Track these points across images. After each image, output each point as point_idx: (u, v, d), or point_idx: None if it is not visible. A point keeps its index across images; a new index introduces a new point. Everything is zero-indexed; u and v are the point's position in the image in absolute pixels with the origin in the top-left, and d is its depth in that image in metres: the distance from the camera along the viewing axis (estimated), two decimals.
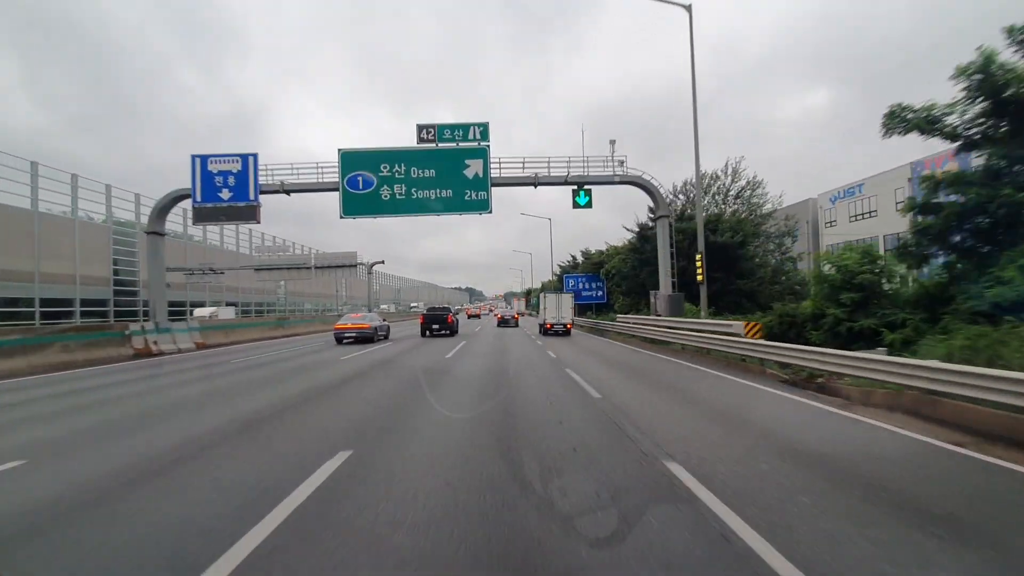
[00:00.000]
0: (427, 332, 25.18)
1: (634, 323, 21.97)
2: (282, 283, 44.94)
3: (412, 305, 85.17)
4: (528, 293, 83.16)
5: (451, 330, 25.71)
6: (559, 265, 51.78)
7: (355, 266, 32.55)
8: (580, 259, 48.04)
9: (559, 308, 27.10)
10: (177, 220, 31.31)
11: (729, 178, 31.11)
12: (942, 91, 37.05)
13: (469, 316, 62.65)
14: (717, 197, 31.19)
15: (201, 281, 29.27)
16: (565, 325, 27.06)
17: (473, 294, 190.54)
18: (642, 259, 27.84)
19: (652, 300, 21.48)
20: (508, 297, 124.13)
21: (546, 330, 26.88)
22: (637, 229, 29.54)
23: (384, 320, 24.07)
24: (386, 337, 22.43)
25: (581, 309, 35.31)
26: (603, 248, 41.15)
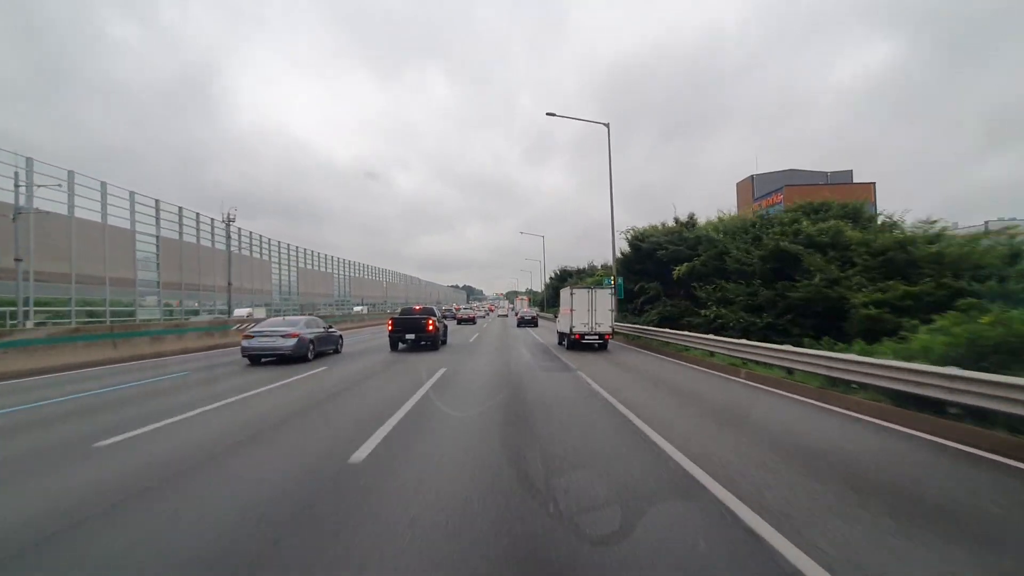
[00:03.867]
0: (398, 345, 16.88)
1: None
2: None
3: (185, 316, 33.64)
4: (564, 278, 54.94)
5: (431, 341, 16.81)
6: None
7: None
8: None
9: (593, 310, 17.84)
10: None
11: None
12: None
13: (460, 320, 40.18)
14: None
15: None
16: (602, 336, 17.81)
17: (472, 293, 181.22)
18: None
19: None
20: (511, 296, 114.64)
21: (574, 341, 17.63)
22: None
23: None
24: None
25: None
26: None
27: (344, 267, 66.52)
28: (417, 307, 19.31)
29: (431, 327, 16.51)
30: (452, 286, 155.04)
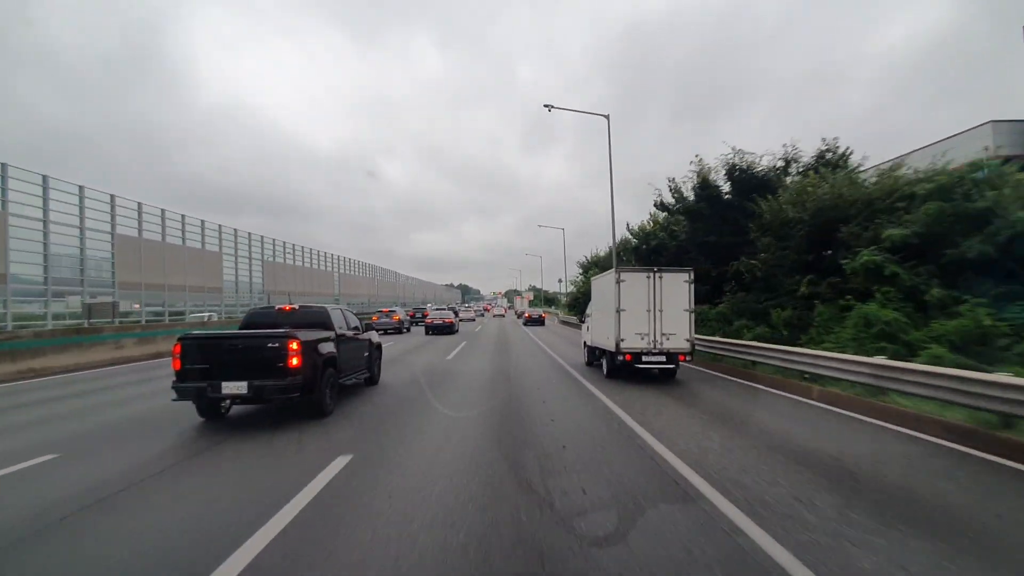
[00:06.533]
0: (204, 409, 6.73)
1: None
2: None
3: None
4: (651, 249, 23.19)
5: (299, 393, 6.31)
6: None
7: None
8: None
9: (656, 310, 10.28)
10: None
11: None
12: None
13: (429, 327, 25.29)
14: None
15: None
16: (673, 355, 10.12)
17: (468, 292, 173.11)
18: None
19: None
20: (510, 295, 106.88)
21: (622, 364, 10.02)
22: None
23: None
24: None
25: None
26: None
27: (262, 249, 33.34)
28: (287, 307, 8.46)
29: (294, 361, 6.23)
30: (447, 285, 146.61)
